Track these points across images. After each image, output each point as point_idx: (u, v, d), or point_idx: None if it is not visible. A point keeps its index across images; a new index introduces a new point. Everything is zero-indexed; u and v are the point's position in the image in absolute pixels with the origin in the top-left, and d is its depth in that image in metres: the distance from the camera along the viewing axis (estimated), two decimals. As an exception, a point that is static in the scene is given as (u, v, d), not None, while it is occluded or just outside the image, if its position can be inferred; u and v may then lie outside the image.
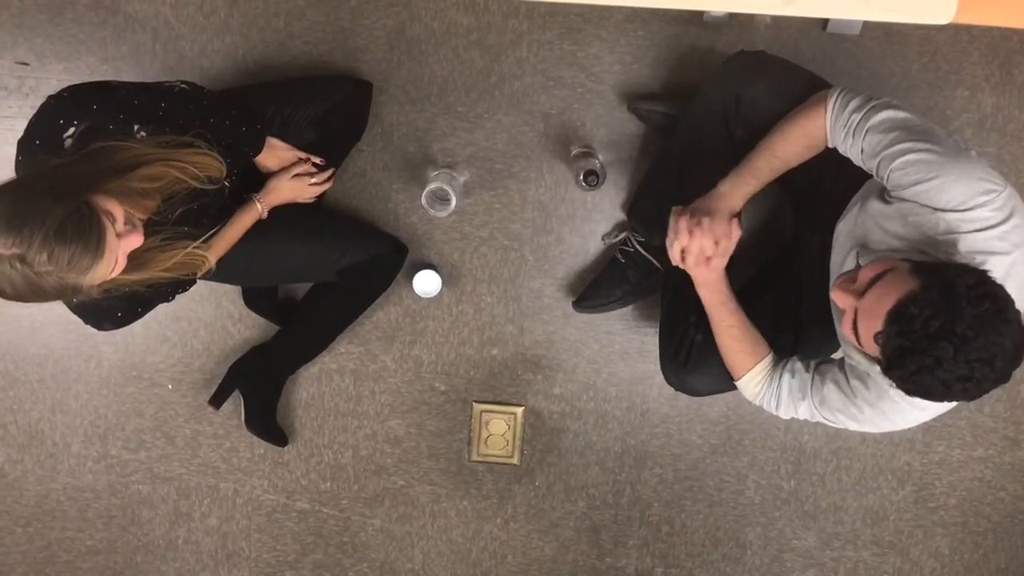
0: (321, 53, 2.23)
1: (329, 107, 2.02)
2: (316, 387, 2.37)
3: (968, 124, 2.22)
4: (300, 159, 1.98)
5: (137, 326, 2.08)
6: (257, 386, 2.27)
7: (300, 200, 2.01)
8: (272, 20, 2.22)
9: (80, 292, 1.40)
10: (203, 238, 1.69)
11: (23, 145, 1.55)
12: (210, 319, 2.34)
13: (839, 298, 1.49)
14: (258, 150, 1.88)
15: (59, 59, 2.25)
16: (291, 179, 1.96)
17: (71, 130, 1.51)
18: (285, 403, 2.36)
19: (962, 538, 2.41)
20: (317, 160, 2.00)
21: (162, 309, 1.85)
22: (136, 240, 1.44)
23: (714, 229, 1.74)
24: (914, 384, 1.39)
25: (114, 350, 2.36)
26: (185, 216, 1.64)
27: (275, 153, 1.94)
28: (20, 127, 1.55)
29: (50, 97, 1.56)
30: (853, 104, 1.63)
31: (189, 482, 2.41)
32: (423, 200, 2.07)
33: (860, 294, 1.44)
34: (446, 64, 2.23)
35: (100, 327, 1.75)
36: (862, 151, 1.61)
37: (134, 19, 2.23)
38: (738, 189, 1.75)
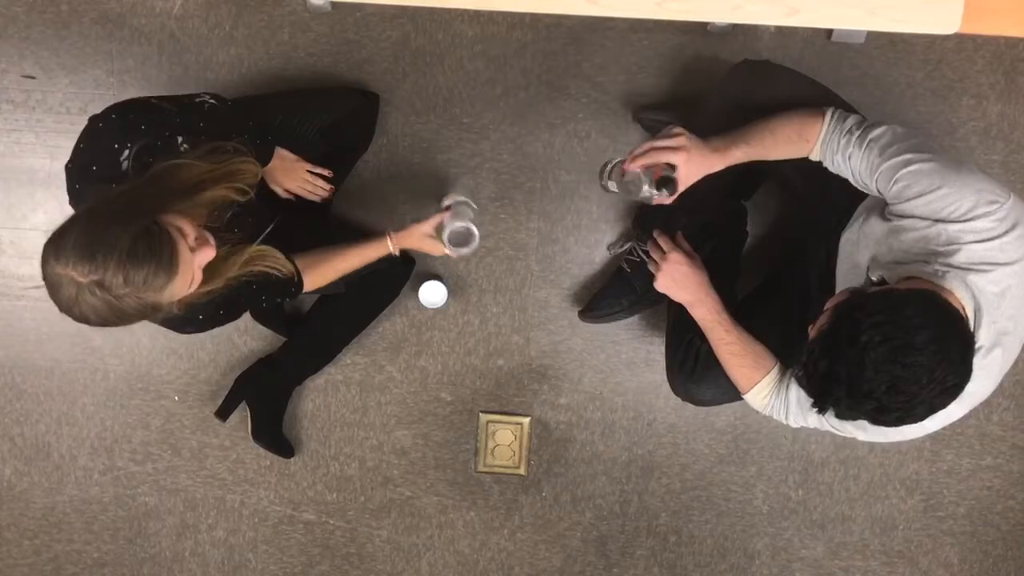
0: (326, 65, 2.23)
1: (336, 118, 2.02)
2: (322, 398, 2.37)
3: (973, 132, 2.22)
4: (308, 170, 1.99)
5: (144, 338, 2.08)
6: (264, 398, 2.27)
7: (425, 251, 2.01)
8: (277, 32, 2.23)
9: (161, 310, 1.40)
10: (260, 238, 1.71)
11: (78, 172, 1.55)
12: (216, 331, 2.33)
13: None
14: (267, 161, 1.89)
15: (65, 72, 2.26)
16: (431, 237, 1.95)
17: (126, 152, 1.52)
18: (291, 414, 2.36)
19: (972, 547, 2.39)
20: (324, 172, 2.01)
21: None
22: (210, 252, 1.45)
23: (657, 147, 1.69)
24: (845, 417, 1.42)
25: (120, 362, 2.36)
26: (233, 220, 1.65)
27: (283, 164, 1.94)
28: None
29: (96, 119, 1.55)
30: (851, 121, 1.65)
31: (195, 494, 2.41)
32: (445, 241, 1.90)
33: None
34: (451, 75, 2.24)
35: (182, 331, 1.76)
36: (861, 163, 1.61)
37: (140, 32, 2.24)
38: (728, 150, 1.70)
